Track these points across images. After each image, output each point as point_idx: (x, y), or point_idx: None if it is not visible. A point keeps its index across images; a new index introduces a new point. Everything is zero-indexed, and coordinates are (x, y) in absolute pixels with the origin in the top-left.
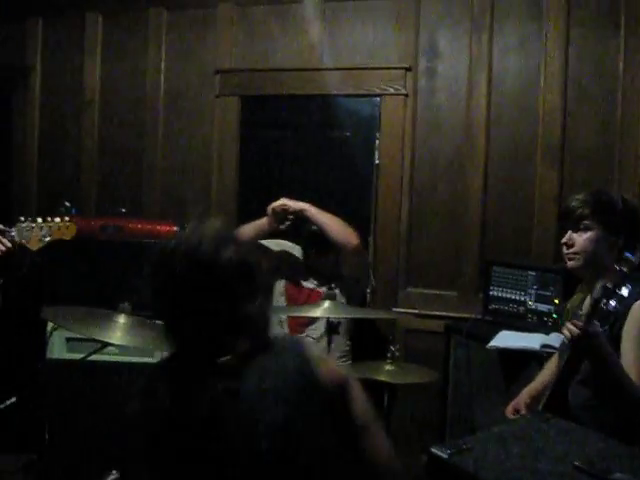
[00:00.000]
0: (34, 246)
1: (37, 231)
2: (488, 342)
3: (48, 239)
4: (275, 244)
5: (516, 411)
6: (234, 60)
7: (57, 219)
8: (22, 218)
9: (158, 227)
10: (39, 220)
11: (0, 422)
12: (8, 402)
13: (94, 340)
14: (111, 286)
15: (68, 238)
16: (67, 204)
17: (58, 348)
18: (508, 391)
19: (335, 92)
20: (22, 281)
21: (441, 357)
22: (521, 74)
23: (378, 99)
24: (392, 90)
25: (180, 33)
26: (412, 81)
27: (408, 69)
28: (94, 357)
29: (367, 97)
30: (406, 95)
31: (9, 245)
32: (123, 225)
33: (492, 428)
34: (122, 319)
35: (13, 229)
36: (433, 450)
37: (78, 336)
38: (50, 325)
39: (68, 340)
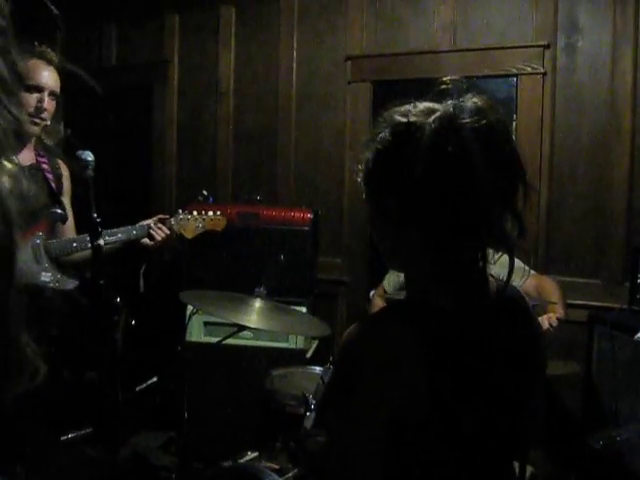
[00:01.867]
0: (190, 235)
1: (193, 222)
2: (635, 333)
3: (202, 229)
4: None
5: None
6: (365, 46)
7: (210, 212)
8: (180, 210)
9: (292, 214)
10: (194, 213)
11: (142, 401)
12: (150, 382)
13: (230, 324)
14: (247, 271)
15: (219, 229)
16: (205, 193)
17: (196, 331)
18: None
19: (470, 74)
20: (163, 267)
21: (583, 349)
22: None
23: (515, 79)
24: (529, 69)
25: (311, 21)
26: (550, 59)
27: (546, 46)
28: (230, 341)
29: (503, 77)
30: (544, 74)
31: (168, 232)
32: (259, 212)
33: None
34: (258, 303)
35: (172, 219)
36: (586, 440)
37: (215, 320)
38: (189, 309)
39: (206, 324)
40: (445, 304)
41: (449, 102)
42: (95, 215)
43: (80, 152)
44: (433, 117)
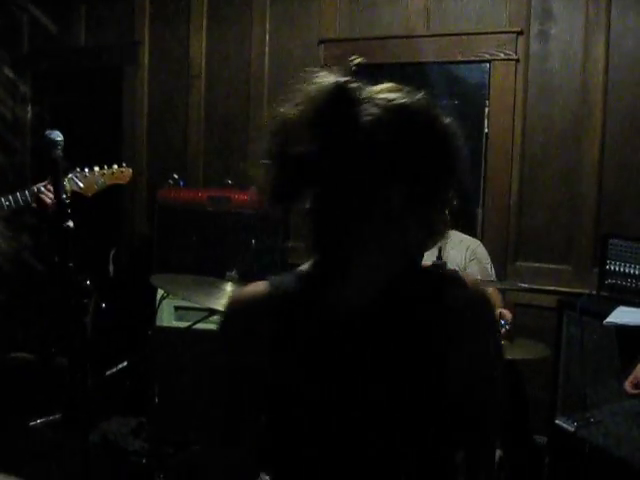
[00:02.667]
0: (90, 192)
1: (91, 178)
2: (604, 319)
3: (103, 184)
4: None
5: (635, 386)
6: (339, 29)
7: (115, 166)
8: (78, 168)
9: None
10: (96, 168)
11: (112, 386)
12: (120, 366)
13: (201, 309)
14: (219, 255)
15: (124, 182)
16: (175, 176)
17: (167, 316)
18: (625, 370)
19: (443, 59)
20: (133, 251)
21: (552, 334)
22: None
23: (488, 65)
24: (502, 55)
25: (284, 4)
26: (524, 45)
27: (519, 33)
28: (201, 325)
29: (476, 63)
30: (517, 60)
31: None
32: (230, 196)
33: (621, 402)
34: (229, 287)
35: (65, 178)
36: (558, 422)
37: (186, 305)
38: (159, 294)
39: (176, 309)
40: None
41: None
42: (64, 196)
43: (49, 132)
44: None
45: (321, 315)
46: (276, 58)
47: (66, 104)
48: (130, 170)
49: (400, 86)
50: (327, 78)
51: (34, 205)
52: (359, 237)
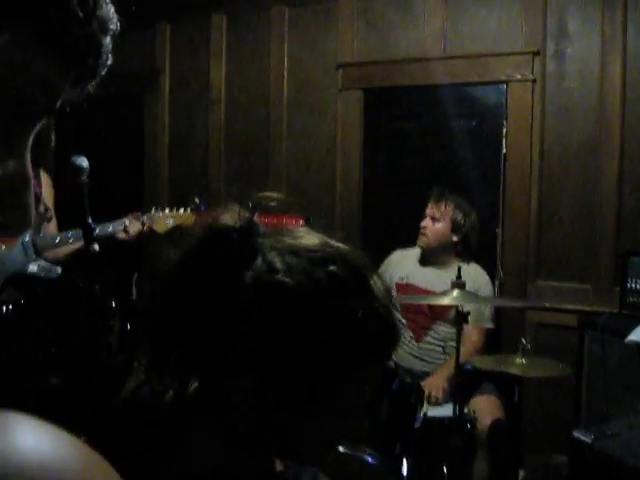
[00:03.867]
0: (161, 229)
1: (163, 218)
2: (625, 337)
3: (172, 224)
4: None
5: None
6: (356, 53)
7: (181, 210)
8: (154, 208)
9: (284, 221)
10: (166, 210)
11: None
12: None
13: None
14: None
15: (189, 224)
16: (196, 200)
17: None
18: None
19: (460, 81)
20: (156, 274)
21: (574, 353)
22: None
23: (505, 86)
24: (519, 76)
25: (302, 29)
26: (540, 66)
27: (536, 53)
28: None
29: (493, 84)
30: (534, 81)
31: (140, 226)
32: None
33: (638, 416)
34: None
35: (145, 215)
36: (576, 434)
37: None
38: None
39: None
40: None
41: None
42: (90, 221)
43: (74, 158)
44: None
45: None
46: (295, 82)
47: (89, 130)
48: (194, 217)
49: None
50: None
51: (121, 235)
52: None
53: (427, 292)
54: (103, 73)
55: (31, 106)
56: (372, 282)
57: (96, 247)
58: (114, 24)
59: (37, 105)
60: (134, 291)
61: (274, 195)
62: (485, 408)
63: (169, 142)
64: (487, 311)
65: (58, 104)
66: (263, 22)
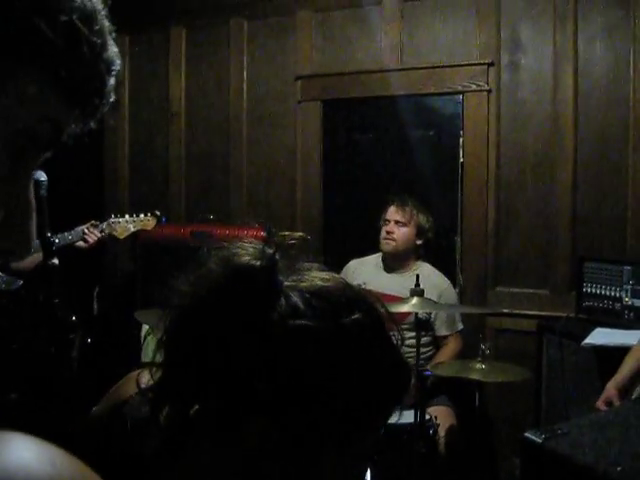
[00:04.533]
0: (121, 235)
1: (124, 224)
2: (582, 340)
3: (133, 229)
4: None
5: (608, 404)
6: (314, 65)
7: (142, 215)
8: (112, 215)
9: (245, 232)
10: (126, 216)
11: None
12: None
13: None
14: None
15: (149, 228)
16: (157, 213)
17: (151, 352)
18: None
19: (417, 91)
20: (116, 288)
21: (533, 357)
22: (609, 64)
23: (461, 96)
24: (475, 87)
25: (261, 42)
26: (495, 76)
27: (490, 64)
28: None
29: (449, 95)
30: (489, 91)
31: (99, 235)
32: (212, 231)
33: (588, 415)
34: None
35: (104, 223)
36: (527, 435)
37: None
38: (144, 330)
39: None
40: None
41: None
42: (49, 235)
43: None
44: None
45: None
46: (254, 94)
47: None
48: (155, 219)
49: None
50: (242, 258)
51: (80, 244)
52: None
53: (389, 298)
54: (105, 111)
55: (38, 140)
56: (388, 330)
57: (55, 261)
58: (117, 65)
59: (43, 139)
60: (95, 306)
61: (296, 234)
62: (440, 417)
63: (129, 155)
64: (456, 314)
65: (62, 138)
66: (222, 35)
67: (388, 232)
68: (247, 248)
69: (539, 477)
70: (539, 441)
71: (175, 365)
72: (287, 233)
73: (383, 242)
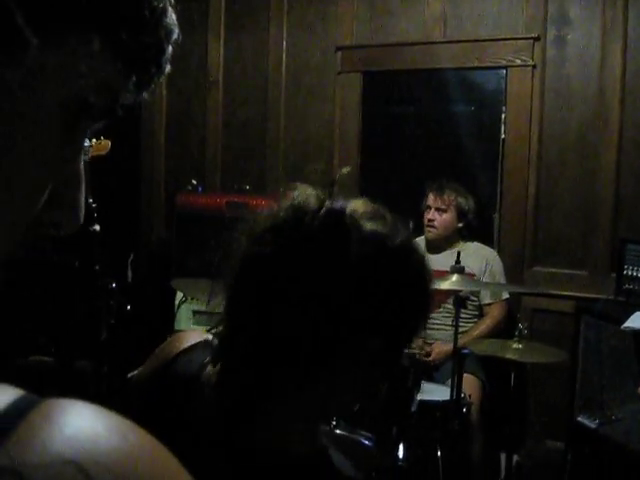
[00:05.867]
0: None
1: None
2: (621, 323)
3: (87, 158)
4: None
5: None
6: (355, 36)
7: (94, 139)
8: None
9: (265, 202)
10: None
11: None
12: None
13: (218, 313)
14: None
15: (104, 153)
16: (194, 182)
17: (185, 320)
18: None
19: (459, 65)
20: (151, 257)
21: (570, 339)
22: None
23: (504, 71)
24: (519, 61)
25: (301, 11)
26: (540, 51)
27: (536, 39)
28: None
29: (493, 69)
30: (534, 66)
31: None
32: (248, 201)
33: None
34: None
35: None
36: (580, 420)
37: (204, 309)
38: (178, 298)
39: (194, 313)
40: None
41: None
42: (90, 200)
43: None
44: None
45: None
46: (293, 65)
47: None
48: (109, 142)
49: (376, 209)
50: (306, 196)
51: None
52: (286, 379)
53: (442, 273)
54: (161, 80)
55: (93, 109)
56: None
57: (97, 227)
58: (177, 33)
59: (98, 107)
60: (129, 274)
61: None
62: (469, 390)
63: (166, 123)
64: (502, 281)
65: (116, 108)
66: (261, 3)
67: (429, 220)
68: (307, 189)
69: (592, 462)
70: (593, 426)
71: (263, 305)
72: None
73: (426, 229)
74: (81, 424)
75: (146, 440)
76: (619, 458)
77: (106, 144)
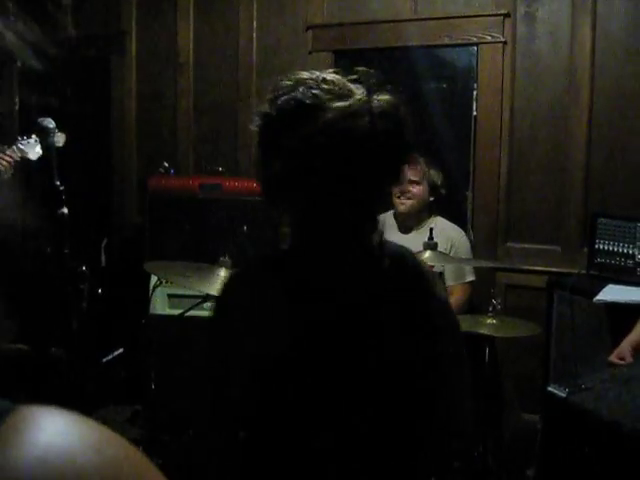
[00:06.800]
0: (34, 156)
1: (33, 144)
2: (594, 297)
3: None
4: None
5: (620, 359)
6: (326, 15)
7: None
8: (19, 137)
9: (255, 185)
10: (33, 136)
11: (107, 374)
12: (116, 353)
13: (194, 296)
14: (211, 242)
15: (61, 145)
16: (166, 165)
17: (160, 304)
18: (615, 347)
19: (430, 42)
20: (125, 240)
21: (543, 314)
22: (628, 17)
23: (475, 48)
24: (489, 38)
25: None
26: (510, 28)
27: (506, 15)
28: (195, 312)
29: (464, 46)
30: (504, 43)
31: (10, 160)
32: (221, 183)
33: (611, 370)
34: (222, 272)
35: (13, 147)
36: (550, 389)
37: (179, 292)
38: (152, 282)
39: (170, 296)
40: (313, 256)
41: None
42: (58, 183)
43: (41, 119)
44: (338, 103)
45: (313, 296)
46: (264, 45)
47: (54, 95)
48: (64, 134)
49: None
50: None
51: None
52: (333, 223)
53: None
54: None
55: None
56: None
57: (65, 210)
58: None
59: None
60: (103, 258)
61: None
62: None
63: (136, 106)
64: (467, 266)
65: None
66: None
67: (403, 192)
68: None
69: (562, 431)
70: (563, 395)
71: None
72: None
73: (398, 202)
74: (55, 440)
75: (122, 452)
76: (589, 426)
77: (62, 137)
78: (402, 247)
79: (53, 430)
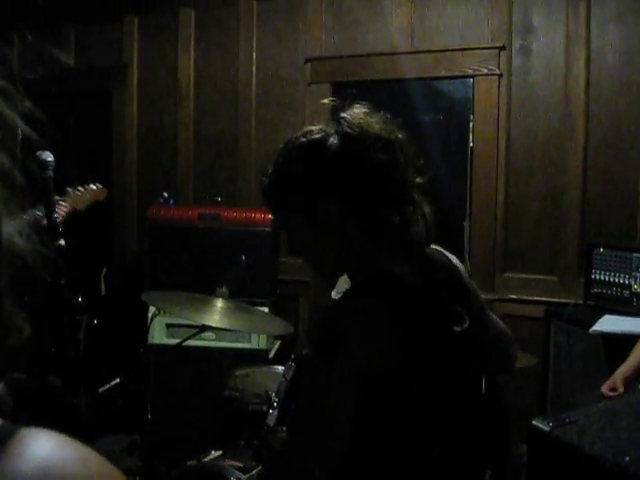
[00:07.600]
0: (82, 208)
1: (82, 195)
2: (590, 328)
3: (89, 198)
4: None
5: (612, 390)
6: (324, 47)
7: (92, 185)
8: (68, 189)
9: (253, 215)
10: (80, 188)
11: (104, 403)
12: (112, 383)
13: (192, 326)
14: (209, 272)
15: (102, 199)
16: (165, 195)
17: (158, 333)
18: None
19: (427, 75)
20: (124, 270)
21: (541, 344)
22: (622, 49)
23: (471, 80)
24: (485, 70)
25: (270, 23)
26: (506, 60)
27: (502, 48)
28: (193, 342)
29: (460, 79)
30: (500, 75)
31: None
32: (220, 213)
33: (596, 404)
34: (220, 303)
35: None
36: (535, 423)
37: (177, 322)
38: (151, 312)
39: (168, 326)
40: (404, 276)
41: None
42: (55, 216)
43: (40, 152)
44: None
45: (439, 325)
46: (263, 77)
47: (56, 126)
48: (105, 190)
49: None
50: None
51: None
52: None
53: None
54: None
55: None
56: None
57: (62, 242)
58: None
59: None
60: (102, 287)
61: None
62: None
63: (137, 137)
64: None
65: None
66: (231, 16)
67: None
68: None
69: (546, 465)
70: (546, 429)
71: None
72: None
73: None
74: (52, 455)
75: (102, 466)
76: (572, 460)
77: (104, 192)
78: (432, 251)
79: (50, 447)
